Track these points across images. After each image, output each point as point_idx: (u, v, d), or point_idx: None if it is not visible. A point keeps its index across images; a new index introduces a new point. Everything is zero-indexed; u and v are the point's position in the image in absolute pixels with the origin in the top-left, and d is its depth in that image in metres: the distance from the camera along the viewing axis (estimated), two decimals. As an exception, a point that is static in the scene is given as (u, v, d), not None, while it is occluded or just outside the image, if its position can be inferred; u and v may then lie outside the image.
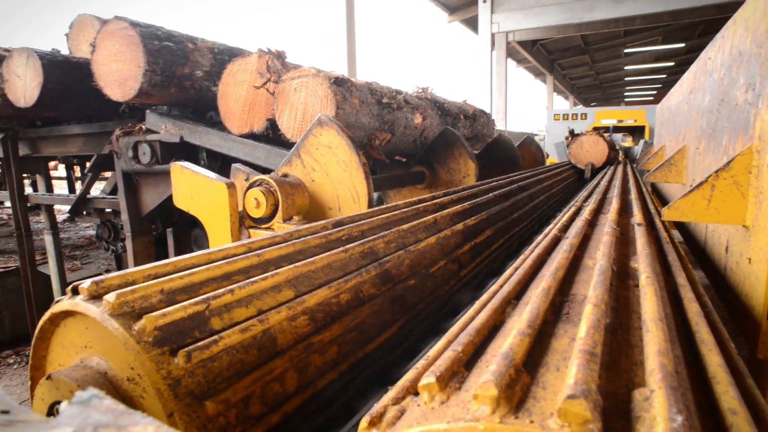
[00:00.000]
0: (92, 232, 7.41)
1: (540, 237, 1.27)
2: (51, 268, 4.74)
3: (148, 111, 3.52)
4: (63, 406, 0.34)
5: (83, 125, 3.92)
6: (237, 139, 2.83)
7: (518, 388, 0.44)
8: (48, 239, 4.65)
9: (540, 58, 19.69)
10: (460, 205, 1.90)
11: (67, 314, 0.78)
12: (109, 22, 2.90)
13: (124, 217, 3.64)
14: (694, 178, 2.09)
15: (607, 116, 12.66)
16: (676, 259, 1.08)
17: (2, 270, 5.75)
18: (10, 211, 6.02)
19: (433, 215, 1.63)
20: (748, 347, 1.13)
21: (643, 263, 0.88)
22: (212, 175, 1.89)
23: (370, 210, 1.56)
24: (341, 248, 1.14)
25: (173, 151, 3.29)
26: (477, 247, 1.72)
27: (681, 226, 2.45)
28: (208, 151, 3.22)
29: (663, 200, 3.70)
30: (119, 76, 2.95)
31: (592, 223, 1.48)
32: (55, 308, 0.78)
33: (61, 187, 9.22)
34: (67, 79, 3.31)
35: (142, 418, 0.27)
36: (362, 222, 1.36)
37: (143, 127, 3.53)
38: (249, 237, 1.90)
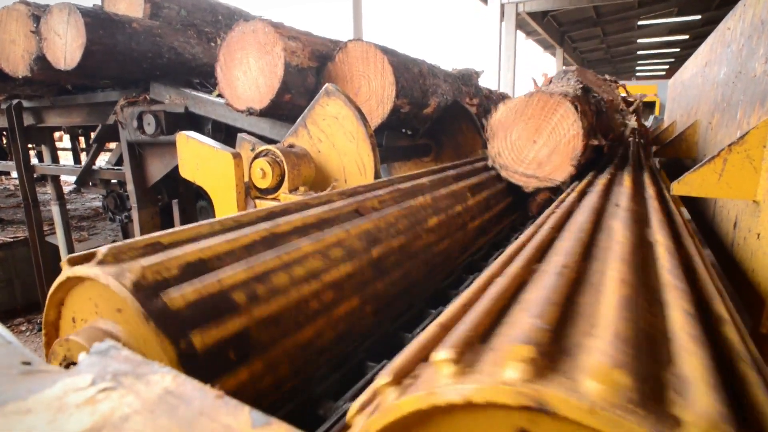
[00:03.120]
0: (99, 204, 7.45)
1: (554, 205, 1.27)
2: (59, 239, 4.79)
3: (152, 81, 3.49)
4: (82, 356, 0.35)
5: (87, 95, 3.89)
6: (242, 110, 2.80)
7: (551, 350, 0.45)
8: (55, 210, 4.69)
9: (550, 31, 19.18)
10: (469, 180, 1.89)
11: (83, 279, 0.79)
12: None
13: (130, 188, 3.66)
14: (705, 153, 2.06)
15: (618, 91, 12.42)
16: (689, 237, 1.08)
17: (12, 240, 5.83)
18: (16, 181, 6.05)
19: (448, 188, 1.62)
20: (751, 322, 1.14)
21: (661, 239, 0.88)
22: (218, 145, 1.88)
23: (385, 180, 1.56)
24: (365, 217, 1.15)
25: (178, 121, 3.27)
26: (483, 225, 1.72)
27: (688, 202, 2.43)
28: (213, 122, 3.20)
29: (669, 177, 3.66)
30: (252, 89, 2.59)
31: (606, 193, 1.48)
32: (69, 272, 0.79)
33: (66, 158, 9.23)
34: (111, 40, 3.01)
35: (160, 367, 0.28)
36: (379, 192, 1.36)
37: (147, 97, 3.50)
38: (255, 208, 1.90)
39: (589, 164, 2.06)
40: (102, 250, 0.79)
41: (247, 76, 2.58)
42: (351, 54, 2.50)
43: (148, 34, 3.35)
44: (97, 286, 0.75)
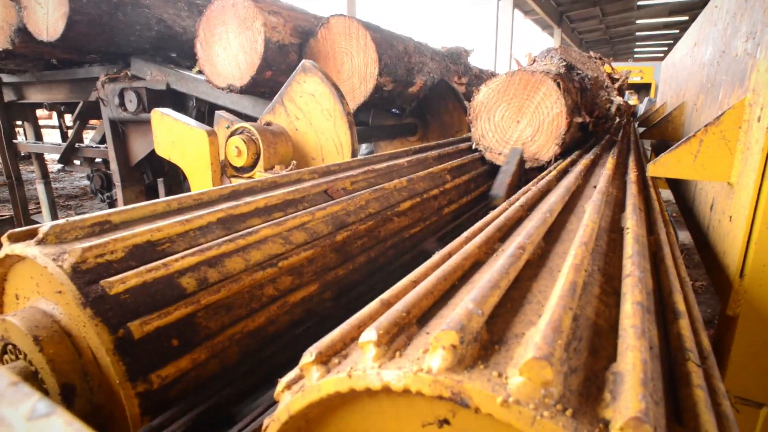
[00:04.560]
0: (87, 182, 7.35)
1: (531, 183, 1.24)
2: (44, 218, 4.73)
3: (133, 56, 3.39)
4: None
5: (68, 71, 3.79)
6: (223, 87, 2.73)
7: (485, 338, 0.43)
8: (40, 188, 4.62)
9: (549, 10, 18.87)
10: (449, 162, 1.85)
11: (23, 257, 0.76)
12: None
13: (113, 166, 3.59)
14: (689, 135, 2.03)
15: (614, 72, 12.26)
16: (662, 224, 1.06)
17: (-3, 218, 5.75)
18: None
19: (427, 170, 1.59)
20: (720, 304, 1.13)
21: (632, 225, 0.86)
22: (193, 122, 1.83)
23: (360, 159, 1.52)
24: (334, 201, 1.12)
25: (160, 98, 3.20)
26: (461, 209, 1.69)
27: (672, 185, 2.41)
28: (197, 100, 3.13)
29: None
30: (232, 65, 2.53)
31: (586, 174, 1.45)
32: (8, 249, 0.76)
33: (55, 136, 9.07)
34: (96, 10, 2.83)
35: None
36: (353, 173, 1.33)
37: (129, 73, 3.41)
38: (231, 187, 1.86)
39: (575, 142, 2.05)
40: (44, 228, 0.75)
41: (227, 53, 2.51)
42: (333, 30, 2.43)
43: (135, 4, 3.17)
44: (37, 266, 0.72)
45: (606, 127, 2.33)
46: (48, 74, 3.90)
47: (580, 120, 1.88)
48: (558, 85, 1.75)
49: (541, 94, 1.81)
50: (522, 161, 1.86)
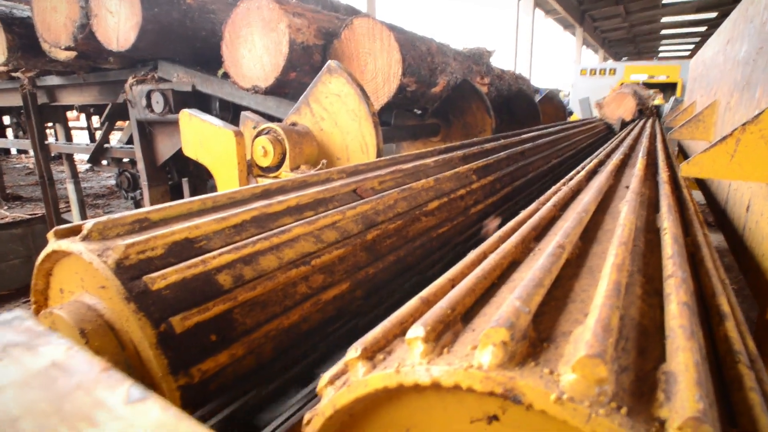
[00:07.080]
0: (114, 182, 7.53)
1: (561, 182, 1.22)
2: (74, 216, 4.87)
3: (160, 59, 3.46)
4: None
5: (97, 74, 3.89)
6: (248, 88, 2.77)
7: (533, 335, 0.43)
8: (70, 188, 4.76)
9: (570, 8, 18.62)
10: (475, 162, 1.84)
11: (69, 253, 0.79)
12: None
13: (140, 166, 3.68)
14: (723, 135, 1.98)
15: (638, 71, 12.01)
16: (699, 225, 1.03)
17: (30, 217, 5.95)
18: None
19: (453, 170, 1.59)
20: (758, 308, 1.10)
21: (669, 225, 0.84)
22: (220, 122, 1.87)
23: (387, 159, 1.53)
24: (363, 200, 1.13)
25: (186, 100, 3.26)
26: (487, 209, 1.68)
27: (703, 185, 2.35)
28: (221, 101, 3.18)
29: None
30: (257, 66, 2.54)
31: (617, 174, 1.44)
32: (55, 245, 0.79)
33: (83, 137, 9.34)
34: (167, 18, 2.71)
35: (58, 338, 0.26)
36: (381, 172, 1.34)
37: (156, 75, 3.49)
38: (258, 187, 1.88)
39: (638, 117, 5.59)
40: (88, 225, 0.78)
41: (252, 54, 2.54)
42: (357, 31, 2.44)
43: (202, 10, 3.03)
44: (82, 261, 0.75)
45: (647, 112, 5.84)
46: (78, 77, 4.01)
47: (640, 108, 5.67)
48: (633, 96, 5.60)
49: (627, 99, 5.63)
50: (623, 121, 5.23)
